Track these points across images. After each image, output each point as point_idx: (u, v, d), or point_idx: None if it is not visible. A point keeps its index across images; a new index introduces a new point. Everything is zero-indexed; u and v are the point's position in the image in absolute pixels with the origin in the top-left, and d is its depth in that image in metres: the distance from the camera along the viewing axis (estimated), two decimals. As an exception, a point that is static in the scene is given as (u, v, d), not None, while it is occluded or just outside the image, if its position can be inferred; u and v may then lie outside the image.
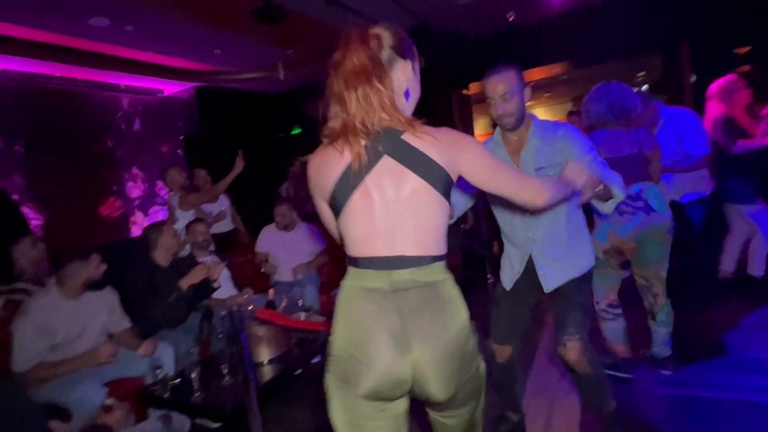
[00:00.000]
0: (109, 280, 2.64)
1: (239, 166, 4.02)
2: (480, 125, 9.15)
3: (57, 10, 4.20)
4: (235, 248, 4.37)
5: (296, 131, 8.54)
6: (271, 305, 2.49)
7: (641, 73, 8.47)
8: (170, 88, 7.00)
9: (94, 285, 2.50)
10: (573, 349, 1.79)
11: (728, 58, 5.31)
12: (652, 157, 2.38)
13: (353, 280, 1.13)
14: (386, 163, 1.10)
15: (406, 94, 1.18)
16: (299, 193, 5.77)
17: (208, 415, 2.06)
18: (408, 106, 1.20)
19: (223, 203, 4.40)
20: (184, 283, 2.79)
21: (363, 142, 1.10)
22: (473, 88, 7.52)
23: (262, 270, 3.83)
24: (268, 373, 2.29)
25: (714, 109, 3.33)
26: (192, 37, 5.17)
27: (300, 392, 2.93)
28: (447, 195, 1.14)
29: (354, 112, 1.09)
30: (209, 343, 2.90)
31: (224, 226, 4.33)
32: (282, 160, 7.73)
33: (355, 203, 1.11)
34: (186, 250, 3.51)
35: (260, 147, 7.75)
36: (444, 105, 6.98)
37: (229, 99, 7.47)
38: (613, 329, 2.57)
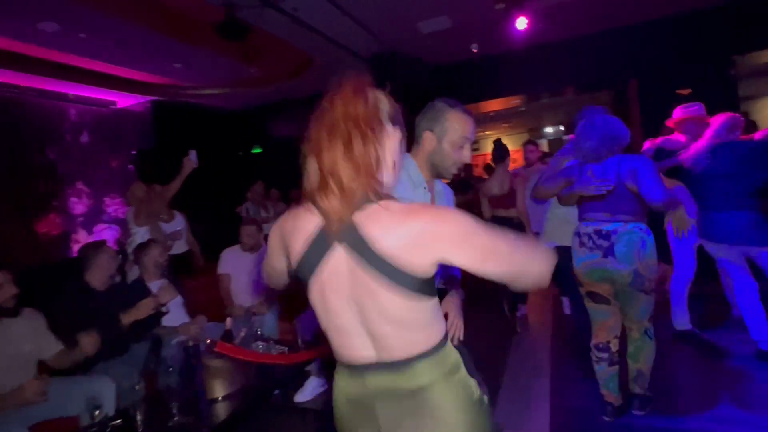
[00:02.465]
0: (35, 303, 2.36)
1: (188, 166, 3.79)
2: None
3: (2, 12, 3.89)
4: (189, 271, 4.11)
5: (256, 150, 8.32)
6: (228, 336, 2.29)
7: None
8: (124, 100, 6.65)
9: (5, 312, 2.22)
10: None
11: (672, 97, 5.69)
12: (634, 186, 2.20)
13: (336, 378, 1.07)
14: (338, 257, 0.95)
15: (394, 165, 1.03)
16: (259, 214, 5.56)
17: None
18: (390, 178, 1.02)
19: (178, 223, 4.15)
20: (127, 319, 2.52)
21: (335, 203, 0.93)
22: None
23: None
24: (223, 410, 2.08)
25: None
26: (150, 48, 4.94)
27: (268, 429, 2.72)
28: (421, 289, 0.94)
29: (330, 167, 0.93)
30: (156, 376, 2.63)
31: (179, 247, 4.08)
32: (241, 180, 7.49)
33: (323, 281, 0.97)
34: (134, 273, 3.24)
35: (218, 165, 7.47)
36: (409, 132, 7.03)
37: (186, 114, 7.19)
38: (599, 373, 2.43)
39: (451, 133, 1.50)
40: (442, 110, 1.51)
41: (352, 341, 0.98)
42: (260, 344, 2.54)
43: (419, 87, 6.38)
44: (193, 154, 3.85)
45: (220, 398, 2.14)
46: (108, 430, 1.98)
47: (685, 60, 5.61)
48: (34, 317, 2.38)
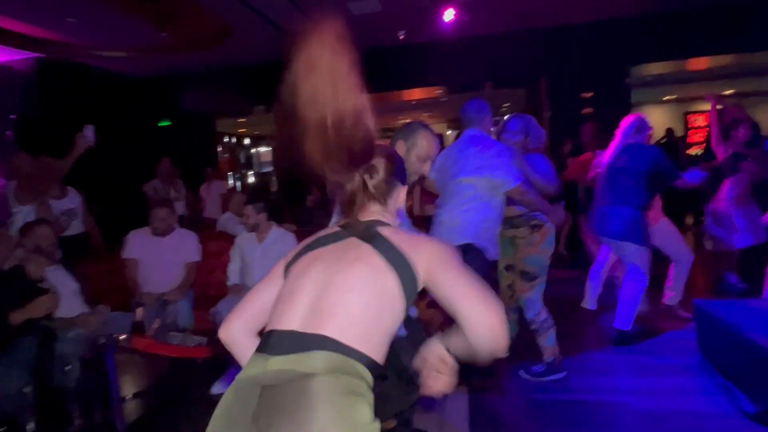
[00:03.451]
0: None
1: (82, 144, 3.37)
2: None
3: None
4: (85, 254, 3.66)
5: (164, 123, 7.63)
6: (139, 327, 2.08)
7: (507, 104, 9.48)
8: (2, 55, 5.68)
9: None
10: None
11: (576, 99, 6.22)
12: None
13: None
14: (349, 241, 1.06)
15: (400, 214, 1.21)
16: (167, 194, 5.13)
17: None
18: (394, 222, 1.18)
19: (72, 200, 3.66)
20: (17, 318, 2.18)
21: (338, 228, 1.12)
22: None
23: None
24: (135, 409, 1.89)
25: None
26: (38, -3, 4.25)
27: (186, 423, 2.51)
28: (406, 298, 0.98)
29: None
30: (48, 376, 2.31)
31: (73, 227, 3.60)
32: (147, 155, 6.82)
33: (293, 270, 1.05)
34: (14, 258, 2.80)
35: (120, 138, 6.73)
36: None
37: (80, 77, 6.34)
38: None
39: (420, 147, 1.78)
40: (416, 128, 1.82)
41: (289, 309, 0.97)
42: (176, 335, 2.34)
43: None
44: (89, 130, 3.40)
45: (129, 397, 1.94)
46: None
47: (589, 65, 6.12)
48: None
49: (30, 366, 2.29)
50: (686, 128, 10.79)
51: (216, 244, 3.81)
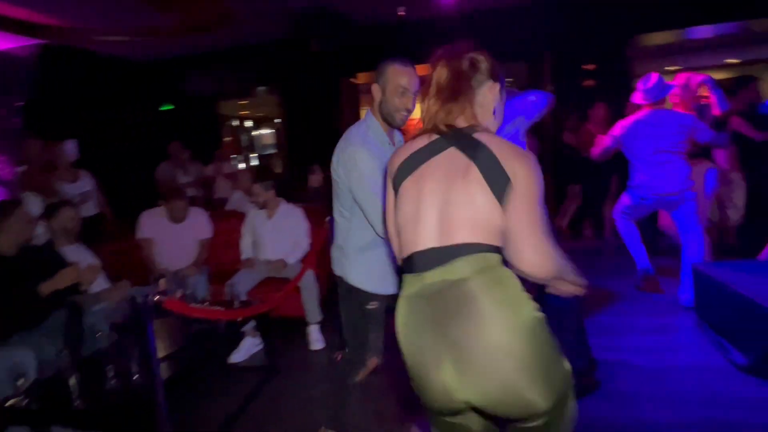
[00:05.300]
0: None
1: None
2: (366, 115, 9.29)
3: None
4: (100, 234, 3.81)
5: (166, 107, 7.69)
6: (162, 295, 2.22)
7: (510, 79, 9.44)
8: (3, 42, 5.74)
9: None
10: None
11: (580, 72, 6.24)
12: None
13: (402, 287, 1.14)
14: (450, 153, 1.11)
15: (494, 113, 1.23)
16: (177, 177, 5.24)
17: (99, 424, 1.77)
18: (492, 124, 1.23)
19: (86, 183, 3.80)
20: (47, 288, 2.32)
21: (435, 137, 1.15)
22: (361, 78, 7.61)
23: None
24: (164, 371, 2.05)
25: None
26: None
27: (205, 390, 2.70)
28: (502, 203, 1.05)
29: (434, 118, 1.16)
30: (79, 345, 2.48)
31: (88, 210, 3.75)
32: (152, 139, 6.92)
33: (405, 189, 1.14)
34: (40, 238, 2.95)
35: (125, 122, 6.83)
36: (332, 93, 6.94)
37: (83, 62, 6.39)
38: None
39: (391, 82, 1.73)
40: (384, 65, 1.76)
41: (422, 230, 1.08)
42: (197, 306, 2.49)
43: (347, 46, 6.29)
44: (70, 146, 3.50)
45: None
46: (34, 398, 1.87)
47: (591, 37, 6.12)
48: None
49: (61, 336, 2.47)
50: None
51: (228, 222, 3.95)
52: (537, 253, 1.04)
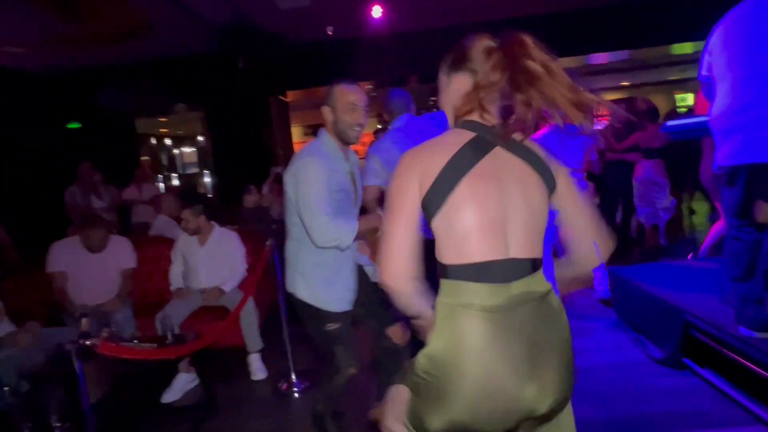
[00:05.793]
0: None
1: None
2: (296, 133, 9.19)
3: None
4: (0, 270, 3.37)
5: (73, 126, 7.04)
6: (86, 337, 1.99)
7: (434, 98, 9.86)
8: None
9: None
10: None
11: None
12: None
13: (459, 294, 0.98)
14: (499, 154, 1.03)
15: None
16: (89, 202, 4.80)
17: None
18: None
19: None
20: None
21: (467, 134, 1.04)
22: (290, 96, 7.53)
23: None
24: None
25: None
26: None
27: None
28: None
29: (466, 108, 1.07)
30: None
31: (-18, 241, 3.30)
32: (58, 160, 6.27)
33: (462, 192, 0.99)
34: None
35: (25, 140, 6.13)
36: (262, 111, 6.79)
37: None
38: None
39: (340, 101, 1.81)
40: (333, 87, 1.85)
41: (492, 238, 0.99)
42: (126, 344, 2.27)
43: (274, 63, 6.20)
44: None
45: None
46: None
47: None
48: None
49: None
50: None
51: (152, 249, 3.67)
52: (604, 242, 1.10)
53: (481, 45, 1.08)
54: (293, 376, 2.89)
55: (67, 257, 3.08)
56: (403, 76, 7.38)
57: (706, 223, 6.23)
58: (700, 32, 2.29)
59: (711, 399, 2.26)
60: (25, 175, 5.89)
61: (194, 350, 2.29)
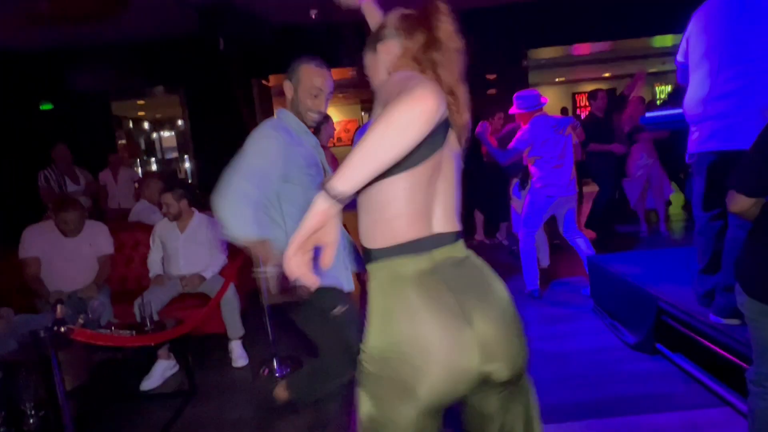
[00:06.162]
0: None
1: None
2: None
3: None
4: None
5: (46, 107, 6.79)
6: (61, 324, 1.95)
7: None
8: None
9: None
10: None
11: (482, 81, 6.68)
12: None
13: (389, 269, 0.99)
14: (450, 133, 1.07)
15: None
16: (64, 186, 4.66)
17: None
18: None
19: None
20: None
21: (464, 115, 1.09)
22: (273, 80, 7.40)
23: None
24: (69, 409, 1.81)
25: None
26: None
27: (116, 425, 2.41)
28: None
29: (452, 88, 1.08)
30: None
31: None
32: (30, 142, 6.06)
33: (422, 172, 0.99)
34: None
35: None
36: (245, 95, 6.66)
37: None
38: None
39: (304, 82, 1.70)
40: (298, 64, 1.72)
41: (428, 217, 1.02)
42: (103, 332, 2.24)
43: (256, 46, 6.07)
44: None
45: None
46: None
47: (492, 48, 6.57)
48: None
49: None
50: (574, 106, 12.08)
51: (130, 235, 3.61)
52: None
53: (397, 12, 1.14)
54: (275, 363, 2.89)
55: (41, 242, 3.00)
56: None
57: (681, 213, 6.42)
58: (680, 25, 2.32)
59: (683, 383, 2.34)
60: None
61: (172, 337, 2.27)
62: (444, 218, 1.04)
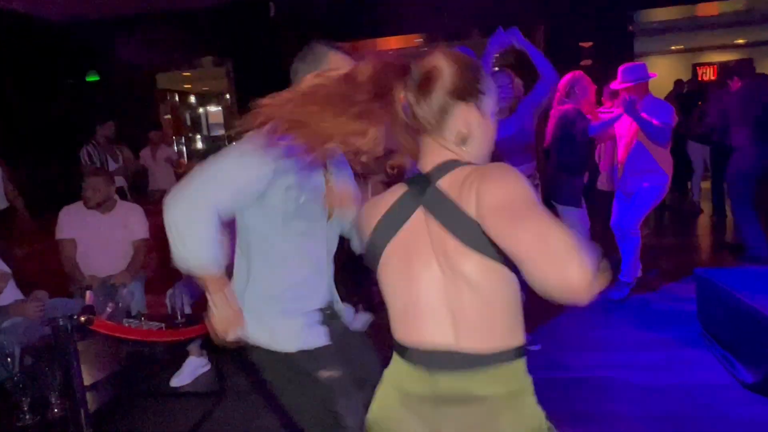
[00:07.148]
0: None
1: None
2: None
3: None
4: (11, 235, 3.64)
5: (92, 78, 7.40)
6: (90, 312, 2.13)
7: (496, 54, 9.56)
8: None
9: None
10: None
11: (575, 49, 6.37)
12: None
13: (391, 372, 1.02)
14: (419, 218, 0.97)
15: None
16: (106, 164, 5.05)
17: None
18: (471, 151, 1.01)
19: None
20: None
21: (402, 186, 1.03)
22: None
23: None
24: (93, 400, 1.98)
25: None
26: None
27: (142, 422, 2.61)
28: (501, 260, 0.88)
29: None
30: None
31: (-6, 202, 3.57)
32: (75, 116, 6.64)
33: (391, 259, 0.99)
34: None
35: (41, 95, 6.52)
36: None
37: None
38: None
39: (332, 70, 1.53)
40: (324, 52, 1.51)
41: (426, 322, 0.96)
42: (131, 322, 2.41)
43: (310, 11, 6.19)
44: None
45: (87, 386, 2.02)
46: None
47: (589, 11, 6.25)
48: None
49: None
50: (696, 81, 11.12)
51: (168, 219, 3.83)
52: (565, 274, 0.74)
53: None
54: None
55: (75, 223, 3.26)
56: (462, 30, 7.18)
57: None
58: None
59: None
60: (39, 131, 6.27)
61: (199, 333, 2.39)
62: (452, 326, 0.96)
